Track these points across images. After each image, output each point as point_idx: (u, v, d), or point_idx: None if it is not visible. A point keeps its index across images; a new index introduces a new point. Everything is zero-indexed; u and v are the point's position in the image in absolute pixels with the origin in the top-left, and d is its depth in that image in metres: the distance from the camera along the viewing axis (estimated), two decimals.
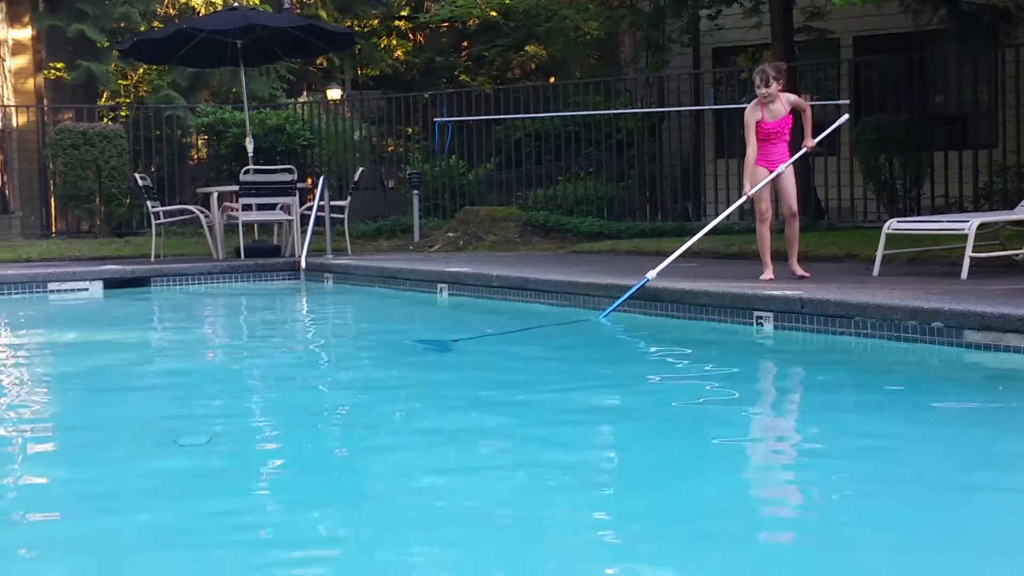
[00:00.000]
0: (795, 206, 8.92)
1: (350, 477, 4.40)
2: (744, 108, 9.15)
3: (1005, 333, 6.09)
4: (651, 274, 8.48)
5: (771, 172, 8.74)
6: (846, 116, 9.37)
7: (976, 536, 3.40)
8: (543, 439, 4.87)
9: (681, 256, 9.01)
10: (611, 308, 8.24)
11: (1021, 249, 9.01)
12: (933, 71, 15.74)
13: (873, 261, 8.80)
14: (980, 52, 14.21)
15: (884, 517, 3.62)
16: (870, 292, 7.37)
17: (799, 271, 8.76)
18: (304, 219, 13.23)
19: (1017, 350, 6.00)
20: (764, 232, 8.83)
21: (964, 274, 8.09)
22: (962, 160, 13.80)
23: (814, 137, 9.05)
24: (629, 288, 8.31)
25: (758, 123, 8.75)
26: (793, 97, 9.02)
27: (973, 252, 8.21)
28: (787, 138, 8.85)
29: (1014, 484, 3.94)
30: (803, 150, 9.13)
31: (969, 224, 8.34)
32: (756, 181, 8.82)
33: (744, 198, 8.83)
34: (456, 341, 7.38)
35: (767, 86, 8.68)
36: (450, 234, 15.04)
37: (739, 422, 5.18)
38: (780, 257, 9.01)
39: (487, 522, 3.69)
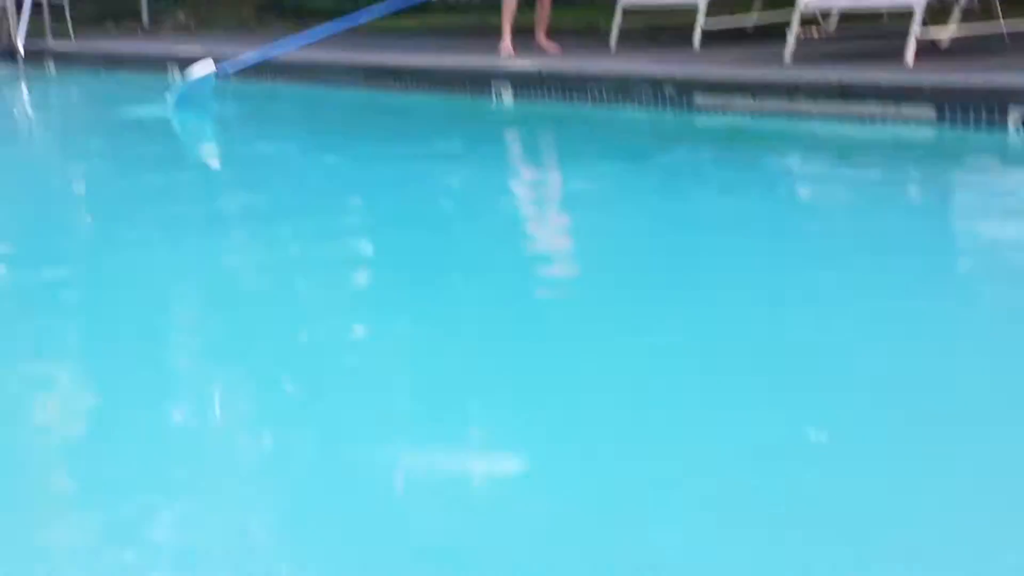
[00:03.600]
0: None
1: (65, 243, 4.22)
2: None
3: (732, 95, 6.27)
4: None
5: None
6: None
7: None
8: (291, 210, 4.78)
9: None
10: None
11: (750, 15, 9.22)
12: None
13: (610, 34, 8.86)
14: None
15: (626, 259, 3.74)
16: (606, 61, 7.44)
17: (549, 46, 8.68)
18: (19, 4, 12.29)
19: (744, 111, 6.20)
20: (509, 2, 8.68)
21: (696, 44, 8.25)
22: None
23: None
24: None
25: None
26: None
27: (703, 23, 8.36)
28: None
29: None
30: None
31: None
32: None
33: None
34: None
35: None
36: (181, 17, 14.32)
37: (483, 190, 5.20)
38: (524, 31, 8.96)
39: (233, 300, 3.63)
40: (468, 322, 3.16)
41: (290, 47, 7.93)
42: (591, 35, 10.00)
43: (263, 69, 9.09)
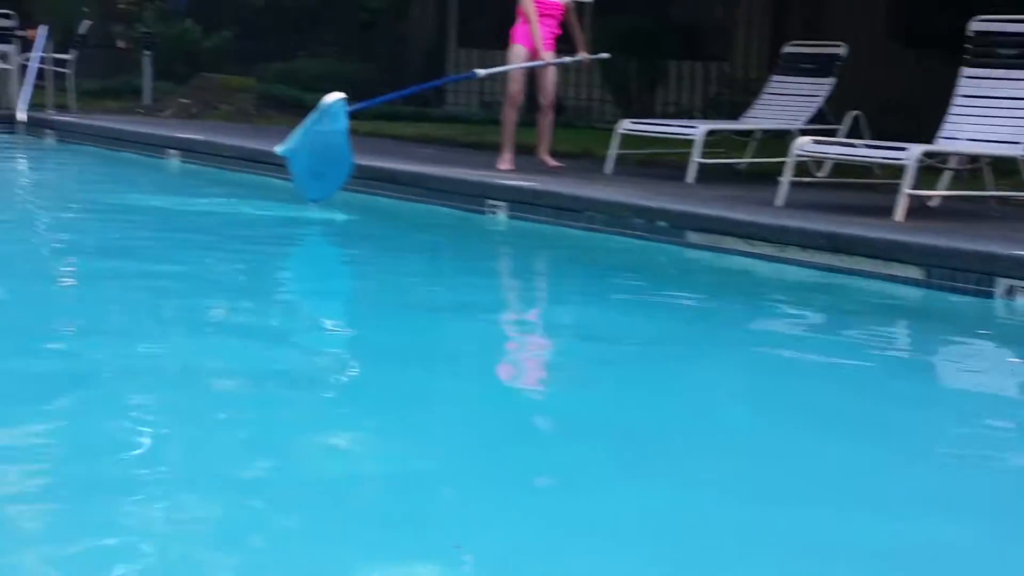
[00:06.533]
0: (552, 96, 8.93)
1: (59, 336, 4.24)
2: None
3: (723, 236, 6.39)
4: (480, 72, 8.51)
5: (531, 52, 8.68)
6: (606, 55, 9.36)
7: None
8: (269, 315, 4.82)
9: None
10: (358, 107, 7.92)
11: (743, 159, 9.44)
12: None
13: (606, 160, 9.03)
14: None
15: (607, 397, 3.79)
16: (601, 188, 7.58)
17: (551, 162, 8.81)
18: (24, 70, 12.42)
19: (733, 252, 6.31)
20: (510, 115, 8.80)
21: (690, 178, 8.42)
22: (695, 70, 14.28)
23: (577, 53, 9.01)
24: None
25: None
26: None
27: (699, 158, 8.55)
28: (556, 29, 8.74)
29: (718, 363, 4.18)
30: (578, 57, 9.01)
31: (697, 131, 8.67)
32: (513, 57, 8.70)
33: (541, 64, 8.55)
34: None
35: None
36: (183, 100, 14.47)
37: (463, 307, 5.27)
38: (532, 152, 9.14)
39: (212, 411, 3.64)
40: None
41: (387, 99, 8.62)
42: (585, 158, 10.18)
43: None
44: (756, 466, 3.13)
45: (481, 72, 8.60)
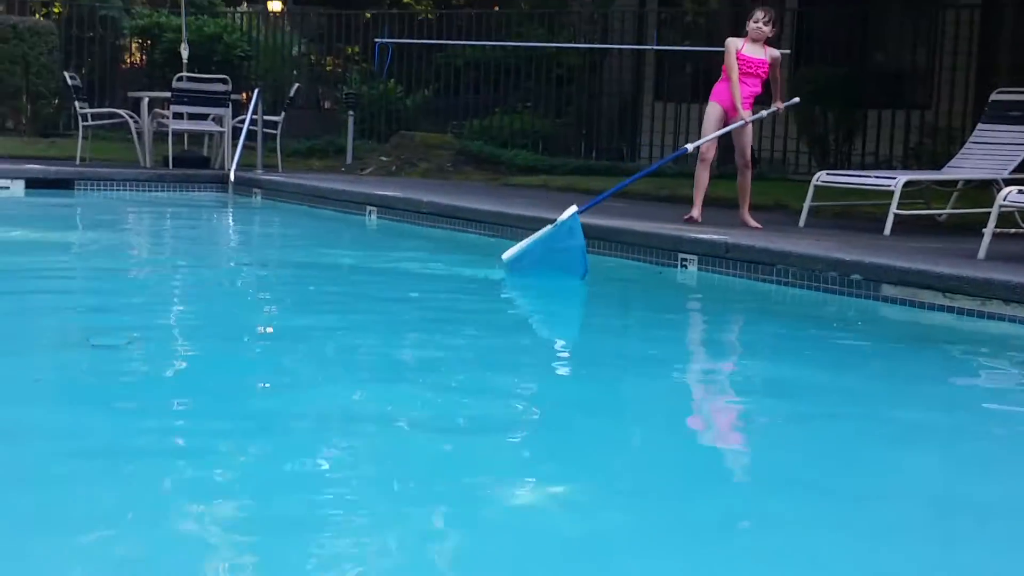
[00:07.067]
0: (748, 155, 8.83)
1: (257, 389, 4.39)
2: (687, 49, 9.02)
3: (921, 289, 6.19)
4: (690, 146, 8.62)
5: (727, 110, 8.67)
6: (796, 100, 9.16)
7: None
8: (463, 369, 4.89)
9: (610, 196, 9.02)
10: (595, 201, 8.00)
11: (944, 209, 9.13)
12: (876, 27, 15.81)
13: (800, 212, 8.87)
14: (923, 10, 14.29)
15: (793, 455, 3.71)
16: (794, 241, 7.44)
17: (751, 223, 8.64)
18: (236, 132, 13.01)
19: (931, 307, 6.10)
20: (703, 174, 8.75)
21: (887, 230, 8.19)
22: (895, 119, 13.92)
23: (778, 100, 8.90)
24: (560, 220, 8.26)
25: (738, 51, 8.58)
26: (776, 53, 8.76)
27: (898, 209, 8.32)
28: (758, 88, 8.67)
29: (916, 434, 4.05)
30: (773, 109, 8.91)
31: (896, 181, 8.44)
32: (710, 116, 8.70)
33: (740, 124, 8.54)
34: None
35: (767, 25, 8.57)
36: (383, 158, 14.91)
37: (655, 361, 5.24)
38: (723, 205, 9.06)
39: (411, 453, 3.72)
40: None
41: (616, 189, 8.44)
42: (779, 211, 10.03)
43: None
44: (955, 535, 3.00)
45: (690, 147, 8.65)
